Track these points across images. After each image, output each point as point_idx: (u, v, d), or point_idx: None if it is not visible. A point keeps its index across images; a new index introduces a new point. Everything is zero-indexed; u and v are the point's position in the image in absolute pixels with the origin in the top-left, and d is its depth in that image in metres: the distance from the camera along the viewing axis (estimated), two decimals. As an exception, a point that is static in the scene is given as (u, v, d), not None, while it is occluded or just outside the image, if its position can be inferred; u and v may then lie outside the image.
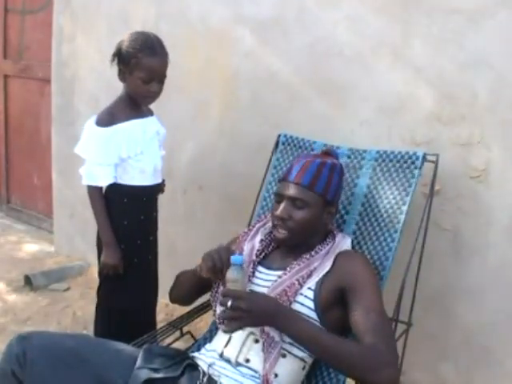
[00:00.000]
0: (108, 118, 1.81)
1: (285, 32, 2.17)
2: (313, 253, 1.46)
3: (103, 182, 1.83)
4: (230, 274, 1.29)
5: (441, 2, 1.80)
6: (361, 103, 2.01)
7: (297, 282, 1.39)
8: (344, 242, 1.51)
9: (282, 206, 1.47)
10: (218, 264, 1.40)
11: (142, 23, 2.61)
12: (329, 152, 1.62)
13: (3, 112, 3.91)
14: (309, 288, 1.40)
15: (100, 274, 1.92)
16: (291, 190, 1.46)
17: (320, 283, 1.40)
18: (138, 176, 1.87)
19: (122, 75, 1.80)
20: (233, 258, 1.30)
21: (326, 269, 1.42)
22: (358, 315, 1.32)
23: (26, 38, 3.66)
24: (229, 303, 1.20)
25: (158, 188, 1.99)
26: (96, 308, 2.00)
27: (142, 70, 1.75)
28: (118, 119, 1.81)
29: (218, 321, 1.51)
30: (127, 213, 1.87)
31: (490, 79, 1.74)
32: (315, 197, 1.46)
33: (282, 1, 2.17)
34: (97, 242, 1.93)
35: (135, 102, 1.85)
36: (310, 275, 1.41)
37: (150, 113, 1.94)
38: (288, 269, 1.44)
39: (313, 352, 1.31)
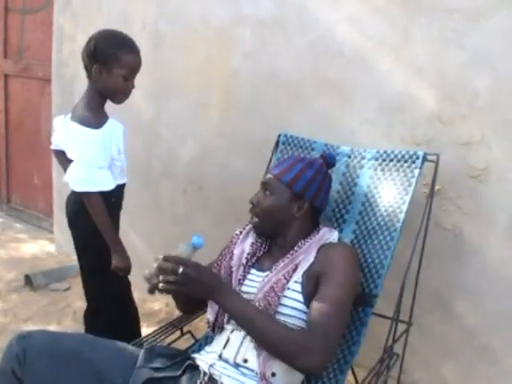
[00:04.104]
0: (96, 118, 1.77)
1: (285, 32, 2.17)
2: (296, 248, 1.47)
3: (108, 187, 1.79)
4: (180, 247, 1.32)
5: (441, 2, 1.80)
6: (361, 103, 2.01)
7: (283, 277, 1.41)
8: (330, 235, 1.52)
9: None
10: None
11: (141, 23, 2.61)
12: (324, 155, 1.64)
13: (3, 111, 3.91)
14: (295, 281, 1.41)
15: (83, 272, 1.94)
16: (264, 178, 1.58)
17: (305, 275, 1.41)
18: (119, 175, 1.87)
19: (98, 73, 1.75)
20: (193, 239, 1.33)
21: (310, 261, 1.43)
22: (314, 301, 1.34)
23: (27, 37, 3.66)
24: (180, 269, 1.22)
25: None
26: (88, 307, 2.01)
27: (124, 66, 1.74)
28: (102, 119, 1.79)
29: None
30: (112, 212, 1.86)
31: (490, 79, 1.74)
32: (281, 186, 1.51)
33: (282, 1, 2.17)
34: (82, 243, 1.92)
35: (103, 101, 1.83)
36: (295, 269, 1.43)
37: None
38: (274, 267, 1.45)
39: (247, 331, 1.34)
